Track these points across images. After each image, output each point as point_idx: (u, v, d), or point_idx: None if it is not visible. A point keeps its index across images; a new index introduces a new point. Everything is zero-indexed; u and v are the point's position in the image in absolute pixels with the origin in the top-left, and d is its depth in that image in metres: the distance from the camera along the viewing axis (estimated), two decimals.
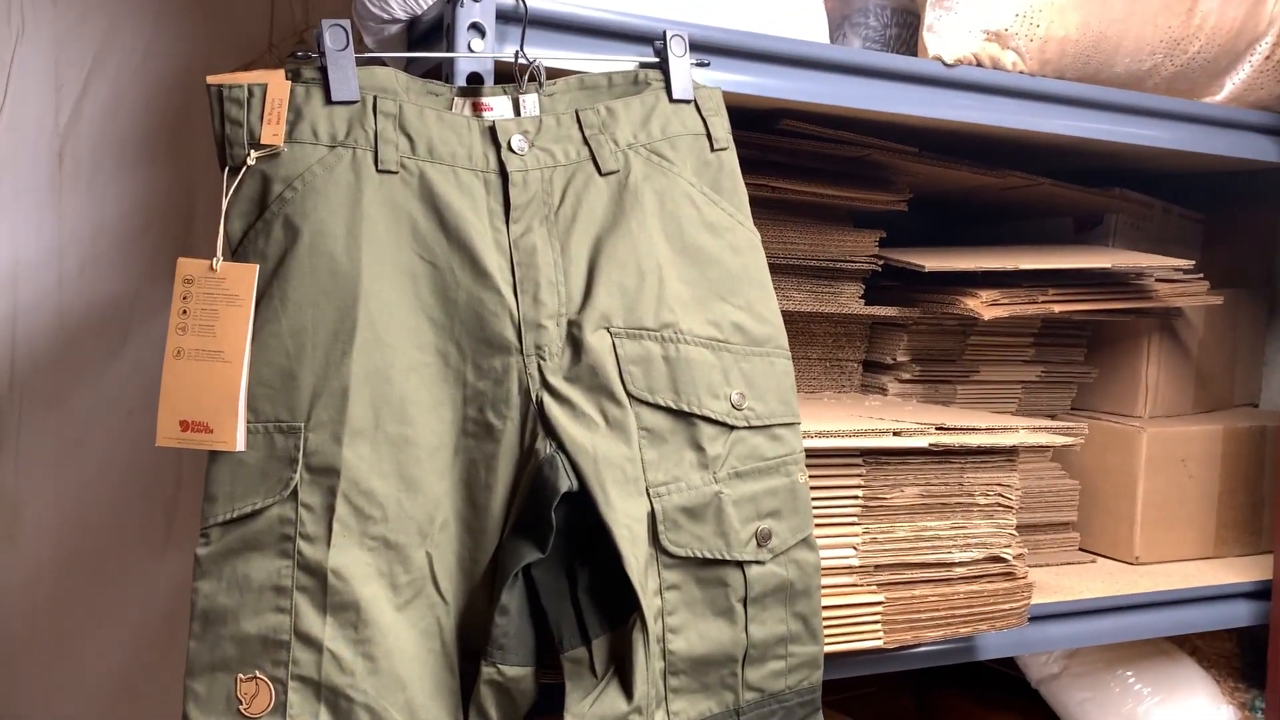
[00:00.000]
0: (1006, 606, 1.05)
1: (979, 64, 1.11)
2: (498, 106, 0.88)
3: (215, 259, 0.80)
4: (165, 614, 1.47)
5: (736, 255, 0.91)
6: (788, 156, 1.24)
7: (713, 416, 0.86)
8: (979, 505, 1.03)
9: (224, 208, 0.81)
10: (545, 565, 0.82)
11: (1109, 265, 1.26)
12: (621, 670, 0.81)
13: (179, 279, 0.80)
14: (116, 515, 1.45)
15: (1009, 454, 1.05)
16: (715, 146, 0.93)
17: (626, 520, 0.81)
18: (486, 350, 0.83)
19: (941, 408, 1.28)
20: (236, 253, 0.81)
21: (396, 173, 0.83)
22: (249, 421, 0.79)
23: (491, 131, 0.86)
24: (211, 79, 0.81)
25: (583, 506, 0.81)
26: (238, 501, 0.78)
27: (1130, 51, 1.16)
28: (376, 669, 0.78)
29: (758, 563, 0.87)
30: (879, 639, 0.99)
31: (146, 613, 1.46)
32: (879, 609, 0.98)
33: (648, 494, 0.84)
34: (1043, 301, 1.28)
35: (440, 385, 0.83)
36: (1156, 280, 1.37)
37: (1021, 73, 1.13)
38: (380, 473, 0.80)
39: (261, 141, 0.80)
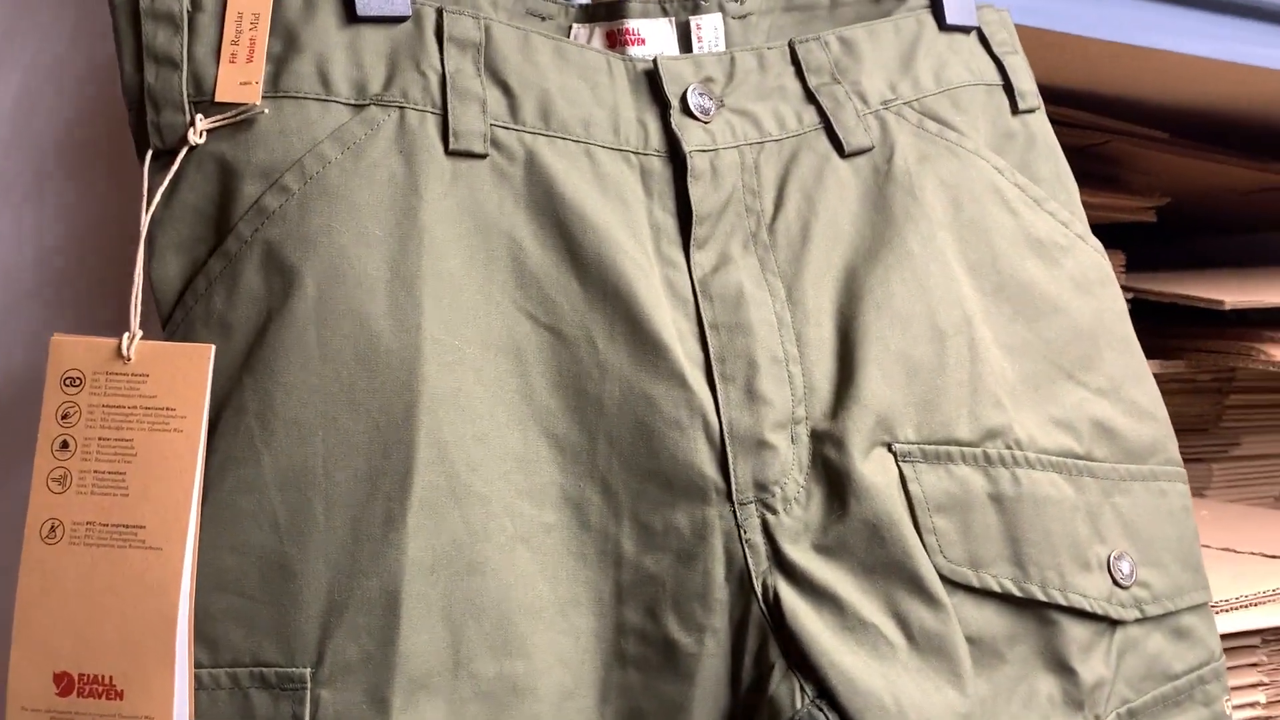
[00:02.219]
0: None
1: None
2: (653, 37, 0.49)
3: (128, 336, 0.40)
4: None
5: (1085, 295, 0.51)
6: None
7: (1086, 607, 0.46)
8: None
9: (143, 230, 0.40)
10: None
11: None
12: None
13: (53, 378, 0.40)
14: None
15: None
16: (1020, 106, 0.53)
17: None
18: (660, 495, 0.42)
19: (1241, 508, 0.88)
20: (170, 320, 0.41)
21: (484, 155, 0.43)
22: (200, 667, 0.39)
23: (650, 79, 0.46)
24: None
25: None
26: None
27: None
28: None
29: None
30: None
31: None
32: None
33: None
34: None
35: (572, 567, 0.42)
36: None
37: None
38: None
39: (218, 98, 0.40)
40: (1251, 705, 0.59)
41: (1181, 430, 1.03)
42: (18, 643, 0.38)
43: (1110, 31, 0.66)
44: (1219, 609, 0.57)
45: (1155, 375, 0.94)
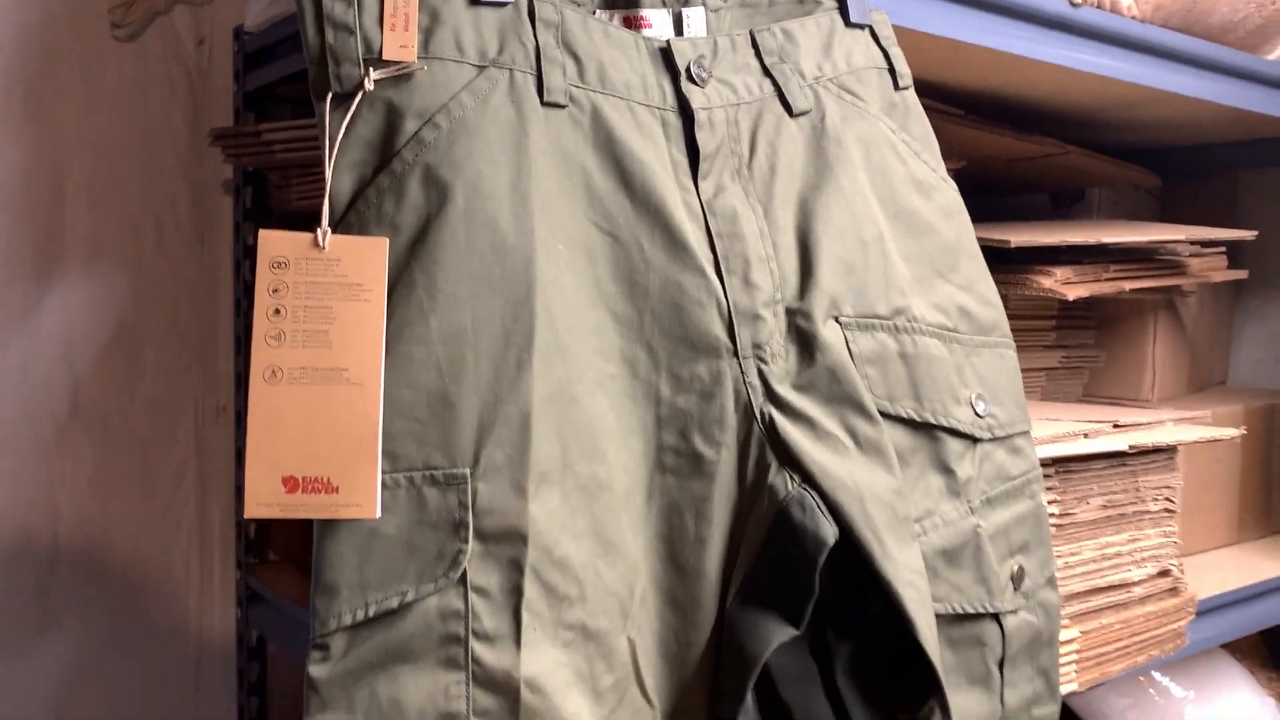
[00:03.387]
0: (1173, 626, 0.91)
1: (1099, 5, 0.96)
2: (657, 22, 0.66)
3: (320, 231, 0.53)
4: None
5: (949, 221, 0.72)
6: None
7: (959, 428, 0.67)
8: (1149, 513, 0.89)
9: (328, 155, 0.54)
10: (785, 644, 0.60)
11: (1182, 237, 1.16)
12: None
13: (264, 261, 0.53)
14: None
15: (1172, 452, 0.91)
16: (900, 84, 0.74)
17: (910, 576, 0.61)
18: (687, 353, 0.60)
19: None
20: (343, 222, 0.55)
21: (565, 107, 0.59)
22: (384, 473, 0.53)
23: (665, 55, 0.63)
24: None
25: (834, 557, 0.60)
26: (373, 593, 0.52)
27: None
28: None
29: (1012, 612, 0.68)
30: (1074, 681, 0.82)
31: None
32: (1075, 646, 0.82)
33: None
34: (1109, 279, 1.16)
35: (627, 405, 0.60)
36: (1189, 256, 1.29)
37: (1134, 19, 1.00)
38: (574, 533, 0.56)
39: (384, 56, 0.54)
40: (1050, 516, 0.83)
41: None
42: (251, 458, 0.52)
43: (929, 27, 0.87)
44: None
45: None
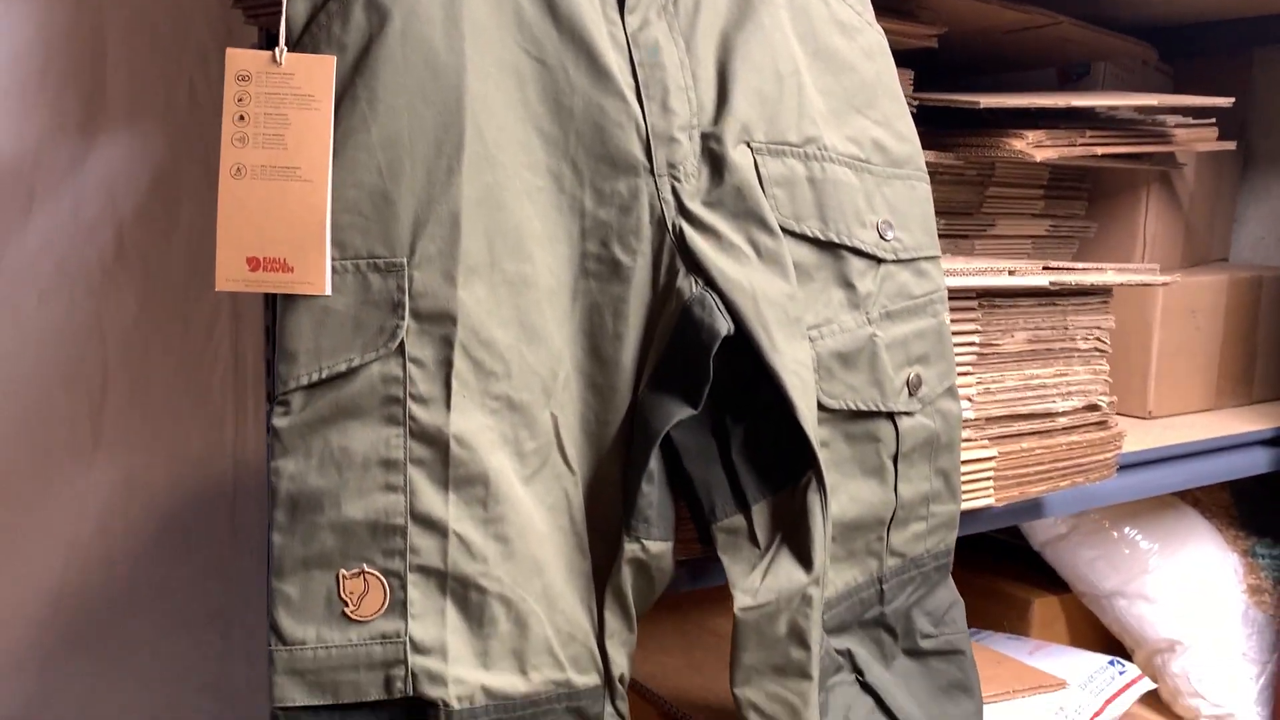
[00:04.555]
0: (1100, 457, 0.98)
1: None
2: None
3: (278, 50, 0.62)
4: (97, 531, 1.27)
5: (870, 61, 0.78)
6: None
7: (862, 249, 0.74)
8: (1079, 350, 0.96)
9: None
10: (687, 424, 0.69)
11: (1154, 103, 1.20)
12: (793, 538, 0.70)
13: (230, 75, 0.62)
14: (31, 419, 1.23)
15: (1105, 295, 0.98)
16: None
17: (794, 366, 0.69)
18: (609, 171, 0.68)
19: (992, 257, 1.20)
20: (299, 44, 0.64)
21: None
22: (334, 260, 0.63)
23: None
24: None
25: (733, 353, 0.69)
26: (326, 358, 0.62)
27: None
28: (510, 552, 0.64)
29: (908, 414, 0.76)
30: (991, 497, 0.91)
31: (75, 532, 1.26)
32: (992, 464, 0.90)
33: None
34: (1082, 144, 1.21)
35: (554, 215, 0.68)
36: (1175, 126, 1.32)
37: None
38: (500, 320, 0.65)
39: None
40: (971, 344, 0.90)
41: (952, 214, 1.35)
42: (221, 241, 0.62)
43: None
44: (954, 274, 0.87)
45: (932, 165, 1.25)
